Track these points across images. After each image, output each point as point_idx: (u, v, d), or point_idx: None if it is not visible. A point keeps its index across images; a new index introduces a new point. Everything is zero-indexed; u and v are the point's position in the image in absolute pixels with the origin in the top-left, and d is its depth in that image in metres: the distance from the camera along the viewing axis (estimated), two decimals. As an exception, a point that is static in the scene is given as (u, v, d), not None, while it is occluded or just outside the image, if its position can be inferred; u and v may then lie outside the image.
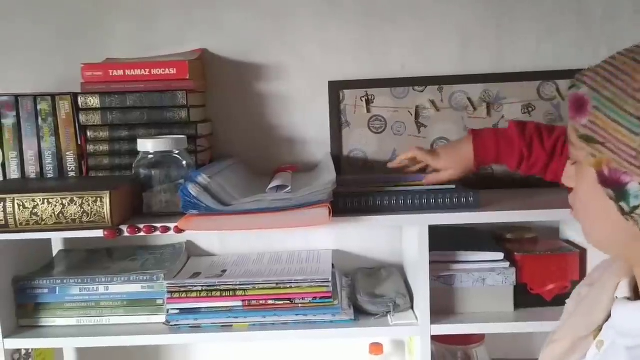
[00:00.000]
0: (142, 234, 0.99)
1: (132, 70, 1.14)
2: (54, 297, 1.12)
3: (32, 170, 1.16)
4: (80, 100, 1.14)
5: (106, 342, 1.09)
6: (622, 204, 0.60)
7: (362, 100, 1.30)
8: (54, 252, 1.29)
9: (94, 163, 1.16)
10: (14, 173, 1.16)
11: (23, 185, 1.09)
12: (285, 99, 1.31)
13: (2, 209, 0.98)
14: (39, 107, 1.15)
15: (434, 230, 1.04)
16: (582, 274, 1.14)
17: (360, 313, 1.11)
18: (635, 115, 0.57)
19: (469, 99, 1.28)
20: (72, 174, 1.17)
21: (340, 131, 1.31)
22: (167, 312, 1.08)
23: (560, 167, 1.00)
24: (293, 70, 1.30)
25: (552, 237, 1.26)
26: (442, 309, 1.10)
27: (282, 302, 1.08)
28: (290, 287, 1.08)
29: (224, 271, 1.16)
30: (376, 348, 1.24)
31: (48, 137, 1.16)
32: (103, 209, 0.98)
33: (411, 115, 1.30)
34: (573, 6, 1.26)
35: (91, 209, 0.98)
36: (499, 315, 1.11)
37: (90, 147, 1.16)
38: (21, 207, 0.98)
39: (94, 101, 1.14)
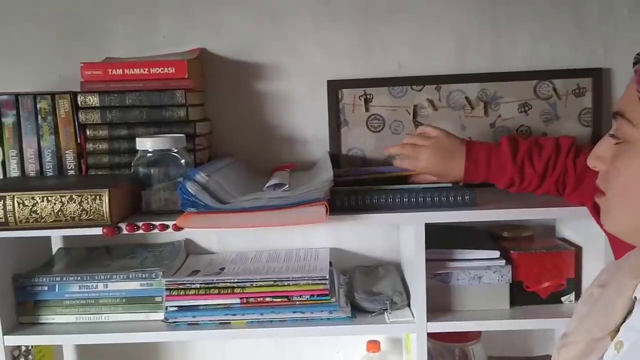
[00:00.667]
0: (140, 231, 1.00)
1: (131, 70, 1.14)
2: (53, 295, 1.12)
3: (31, 168, 1.17)
4: (80, 99, 1.15)
5: (105, 339, 1.09)
6: None
7: (360, 100, 1.30)
8: (54, 250, 1.30)
9: (93, 161, 1.17)
10: (13, 171, 1.17)
11: (23, 184, 1.10)
12: (283, 98, 1.32)
13: (2, 207, 0.99)
14: (38, 106, 1.16)
15: (431, 229, 1.05)
16: (578, 271, 1.15)
17: (357, 310, 1.12)
18: None
19: (466, 98, 1.29)
20: (71, 172, 1.18)
21: (338, 130, 1.31)
22: (166, 309, 1.09)
23: (551, 186, 1.02)
24: (291, 70, 1.31)
25: (548, 235, 1.27)
26: (438, 307, 1.11)
27: (279, 300, 1.09)
28: (288, 285, 1.08)
29: (222, 269, 1.17)
30: (373, 345, 1.25)
31: (48, 135, 1.17)
32: (102, 206, 0.98)
33: (409, 114, 1.30)
34: (569, 6, 1.27)
35: (90, 206, 0.99)
36: (495, 313, 1.12)
37: (90, 146, 1.16)
38: (21, 205, 0.99)
39: (94, 100, 1.15)
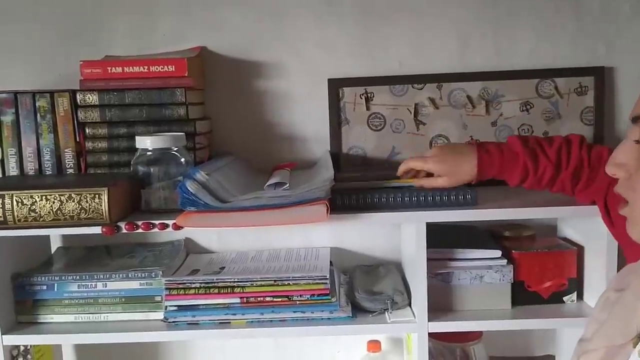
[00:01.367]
0: (140, 230, 1.00)
1: (131, 68, 1.14)
2: (52, 294, 1.12)
3: (30, 167, 1.16)
4: (79, 97, 1.15)
5: (104, 338, 1.09)
6: None
7: (361, 98, 1.30)
8: (53, 249, 1.30)
9: (92, 160, 1.16)
10: (12, 170, 1.16)
11: (21, 182, 1.09)
12: (284, 96, 1.31)
13: (0, 206, 0.98)
14: (37, 104, 1.15)
15: (432, 228, 1.04)
16: (580, 271, 1.14)
17: (358, 310, 1.12)
18: None
19: (467, 96, 1.28)
20: (70, 170, 1.17)
21: (339, 129, 1.31)
22: (165, 308, 1.09)
23: (566, 180, 0.99)
24: (292, 68, 1.30)
25: (549, 235, 1.26)
26: (439, 307, 1.11)
27: (280, 299, 1.08)
28: (288, 285, 1.08)
29: (222, 268, 1.17)
30: (374, 345, 1.24)
31: (46, 134, 1.16)
32: (101, 205, 0.98)
33: (410, 113, 1.30)
34: (570, 4, 1.26)
35: (89, 205, 0.98)
36: (497, 313, 1.11)
37: (89, 144, 1.16)
38: (19, 204, 0.98)
39: (93, 98, 1.14)
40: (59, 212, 0.99)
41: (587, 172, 0.99)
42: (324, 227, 1.29)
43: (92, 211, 0.98)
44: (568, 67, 1.27)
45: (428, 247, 1.05)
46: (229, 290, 1.08)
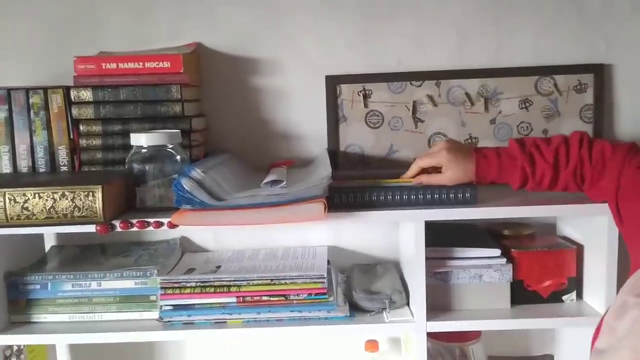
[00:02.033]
0: (134, 229, 0.98)
1: (126, 64, 1.12)
2: (46, 293, 1.10)
3: (24, 164, 1.15)
4: (73, 93, 1.13)
5: (98, 338, 1.07)
6: None
7: (359, 95, 1.28)
8: (47, 248, 1.28)
9: (86, 157, 1.14)
10: (5, 167, 1.15)
11: (14, 180, 1.08)
12: (281, 93, 1.30)
13: (-8, 204, 0.97)
14: (31, 101, 1.14)
15: (431, 226, 1.03)
16: (579, 270, 1.14)
17: (355, 309, 1.11)
18: None
19: (466, 93, 1.27)
20: (64, 168, 1.16)
21: (337, 126, 1.29)
22: (160, 308, 1.07)
23: (569, 179, 0.99)
24: (289, 65, 1.29)
25: (549, 234, 1.25)
26: (438, 306, 1.10)
27: (276, 299, 1.07)
28: (285, 284, 1.07)
29: (219, 267, 1.15)
30: (372, 345, 1.23)
31: (40, 130, 1.15)
32: (95, 203, 0.96)
33: (408, 110, 1.28)
34: (571, 1, 1.25)
35: (83, 203, 0.96)
36: (496, 312, 1.10)
37: (83, 141, 1.14)
38: (12, 202, 0.97)
39: (87, 94, 1.13)
40: (52, 210, 0.97)
41: (589, 170, 0.98)
42: (322, 226, 1.28)
43: (86, 209, 0.97)
44: (567, 65, 1.26)
45: (427, 245, 1.03)
46: (225, 290, 1.07)
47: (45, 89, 1.14)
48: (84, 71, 1.13)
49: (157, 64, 1.12)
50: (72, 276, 1.11)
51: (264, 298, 1.07)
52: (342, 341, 1.33)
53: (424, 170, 1.07)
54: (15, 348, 1.12)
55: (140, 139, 1.04)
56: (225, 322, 1.08)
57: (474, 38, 1.27)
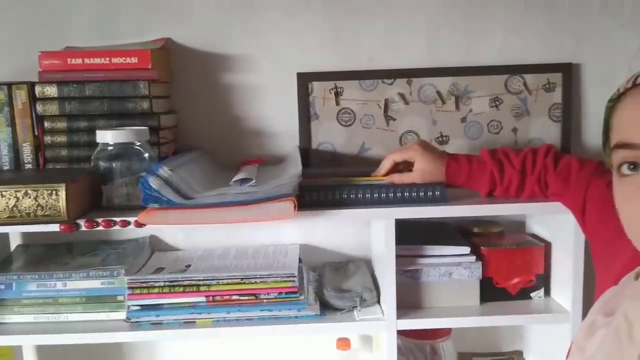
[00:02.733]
0: (100, 228, 0.96)
1: (92, 59, 1.10)
2: (10, 293, 1.08)
3: (-13, 162, 1.12)
4: (37, 89, 1.10)
5: (65, 339, 1.05)
6: None
7: (331, 93, 1.28)
8: (13, 247, 1.25)
9: (51, 155, 1.12)
10: (-33, 165, 1.12)
11: (-24, 178, 1.05)
12: (252, 90, 1.28)
13: (-48, 202, 0.94)
14: (-6, 97, 1.11)
15: (402, 225, 1.03)
16: (547, 267, 1.15)
17: (326, 308, 1.10)
18: None
19: (437, 92, 1.28)
20: (29, 166, 1.13)
21: (309, 124, 1.29)
22: (128, 308, 1.05)
23: (534, 185, 1.01)
24: (260, 61, 1.27)
25: (518, 231, 1.27)
26: (408, 304, 1.10)
27: (246, 298, 1.06)
28: (255, 283, 1.06)
29: (188, 266, 1.14)
30: (343, 343, 1.23)
31: (4, 127, 1.12)
32: (58, 202, 0.94)
33: (380, 108, 1.28)
34: (540, 1, 1.26)
35: (46, 202, 0.94)
36: (465, 310, 1.11)
37: (48, 138, 1.12)
38: (-27, 201, 0.94)
39: (52, 91, 1.10)
40: (14, 209, 0.95)
41: (553, 177, 0.99)
42: (293, 224, 1.27)
43: (50, 208, 0.94)
44: (536, 64, 1.27)
45: (397, 243, 1.03)
46: (194, 289, 1.05)
47: (9, 85, 1.11)
48: (49, 66, 1.11)
49: (124, 60, 1.10)
50: (37, 276, 1.08)
51: (234, 297, 1.06)
52: (314, 340, 1.33)
53: (396, 167, 1.07)
54: (-22, 350, 1.10)
55: (107, 136, 1.02)
56: (195, 322, 1.06)
57: (445, 36, 1.27)
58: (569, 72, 1.27)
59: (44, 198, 0.94)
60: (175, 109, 1.27)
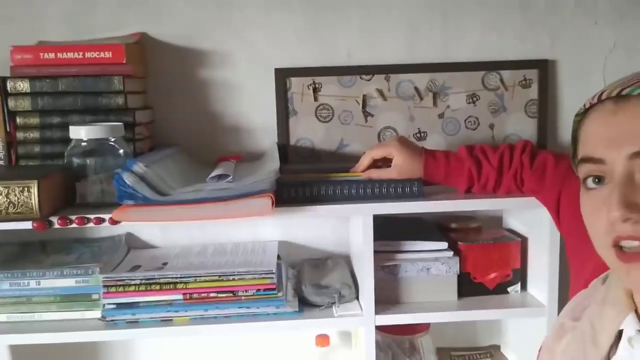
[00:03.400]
0: (74, 225, 0.95)
1: (65, 54, 1.08)
2: (-18, 292, 1.06)
3: (-43, 158, 1.09)
4: (9, 84, 1.08)
5: (39, 339, 1.04)
6: None
7: (309, 89, 1.27)
8: (-16, 246, 1.22)
9: (23, 151, 1.10)
10: (-63, 162, 1.09)
11: (-55, 175, 1.02)
12: (230, 86, 1.27)
13: None
14: (-36, 92, 1.08)
15: (380, 221, 1.03)
16: (524, 262, 1.16)
17: (305, 304, 1.10)
18: None
19: (415, 88, 1.28)
20: (0, 162, 1.10)
21: (287, 120, 1.28)
22: (103, 307, 1.04)
23: (510, 182, 1.03)
24: (238, 57, 1.26)
25: (495, 226, 1.28)
26: (387, 299, 1.10)
27: (224, 295, 1.05)
28: (233, 280, 1.05)
29: (165, 264, 1.12)
30: (322, 339, 1.23)
31: (-26, 123, 1.09)
32: (30, 199, 0.92)
33: (358, 104, 1.28)
34: (517, -2, 1.28)
35: (18, 199, 0.92)
36: (443, 304, 1.11)
37: (20, 135, 1.09)
38: (-59, 198, 0.92)
39: (24, 86, 1.08)
40: (-15, 206, 0.92)
41: (529, 174, 1.01)
42: (272, 221, 1.26)
43: (21, 205, 0.92)
44: (513, 60, 1.28)
45: (375, 239, 1.04)
46: (171, 287, 1.04)
47: (-21, 80, 1.09)
48: (21, 61, 1.08)
49: (98, 54, 1.08)
50: (10, 275, 1.06)
51: (212, 295, 1.05)
52: (293, 336, 1.33)
53: (375, 163, 1.07)
54: (-52, 351, 1.07)
55: (80, 132, 1.00)
56: (172, 320, 1.05)
57: (423, 33, 1.27)
58: (544, 69, 1.28)
59: (15, 195, 0.92)
60: (152, 105, 1.25)
